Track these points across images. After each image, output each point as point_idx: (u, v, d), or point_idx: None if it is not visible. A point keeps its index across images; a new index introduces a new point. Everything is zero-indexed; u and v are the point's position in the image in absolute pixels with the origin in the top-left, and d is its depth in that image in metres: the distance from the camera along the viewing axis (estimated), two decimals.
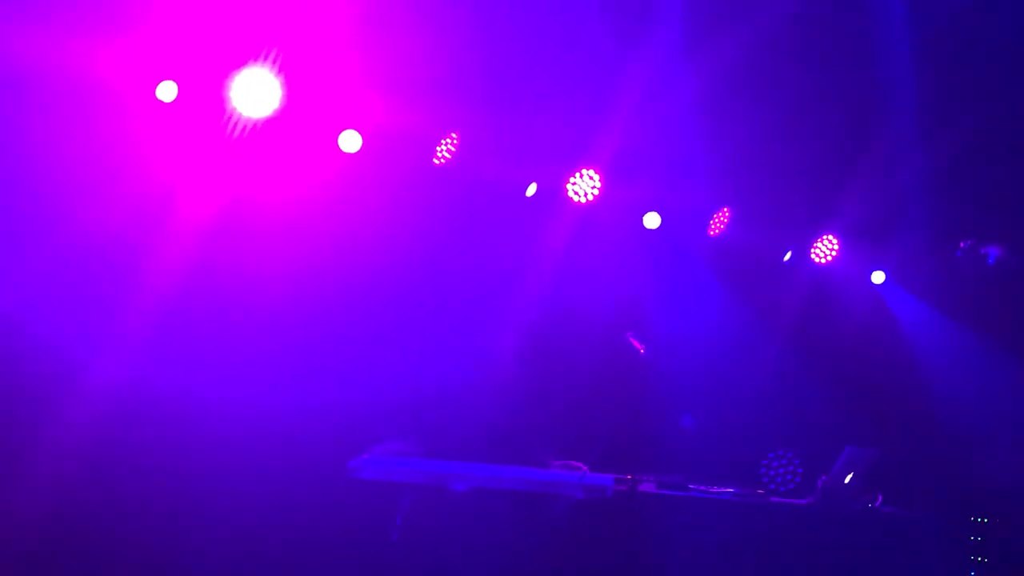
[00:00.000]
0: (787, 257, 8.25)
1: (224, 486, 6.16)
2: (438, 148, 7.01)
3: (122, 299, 6.16)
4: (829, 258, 8.22)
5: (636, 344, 6.18)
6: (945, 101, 6.99)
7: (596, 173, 7.38)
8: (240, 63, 6.20)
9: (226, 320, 6.44)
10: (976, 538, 7.30)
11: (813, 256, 8.22)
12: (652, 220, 7.70)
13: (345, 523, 5.73)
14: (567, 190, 7.40)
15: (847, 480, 6.67)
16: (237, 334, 6.44)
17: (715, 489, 6.55)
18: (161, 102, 6.18)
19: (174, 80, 6.16)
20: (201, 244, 6.31)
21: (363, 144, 6.74)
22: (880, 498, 6.85)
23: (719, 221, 7.91)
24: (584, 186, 7.39)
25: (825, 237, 8.18)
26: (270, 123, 6.41)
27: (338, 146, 6.72)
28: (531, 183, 7.35)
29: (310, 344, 6.62)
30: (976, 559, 7.25)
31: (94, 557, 5.85)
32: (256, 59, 6.20)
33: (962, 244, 8.11)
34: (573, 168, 7.39)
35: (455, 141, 7.00)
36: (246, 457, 6.24)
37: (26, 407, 5.86)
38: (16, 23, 5.66)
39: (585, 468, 6.06)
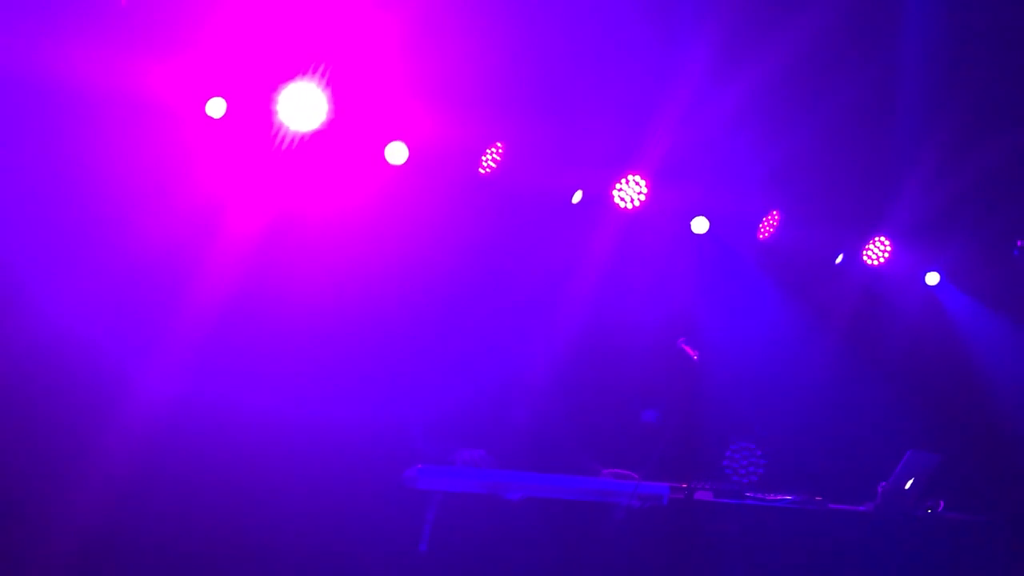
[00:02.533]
0: (839, 260, 8.14)
1: (277, 499, 6.18)
2: (484, 158, 7.03)
3: (174, 312, 6.22)
4: (882, 260, 8.09)
5: (688, 350, 6.11)
6: (1001, 99, 6.86)
7: (642, 178, 7.33)
8: (287, 78, 6.26)
9: (276, 332, 6.48)
10: None
11: (865, 258, 8.09)
12: (700, 225, 7.64)
13: (401, 534, 5.72)
14: (613, 196, 7.36)
15: (908, 485, 6.54)
16: (287, 347, 6.47)
17: (772, 496, 6.45)
18: (211, 118, 6.26)
19: (223, 96, 6.24)
20: (251, 257, 6.36)
21: (410, 155, 6.77)
22: (942, 504, 6.71)
23: (769, 224, 7.82)
24: (630, 192, 7.35)
25: (877, 239, 8.06)
26: (317, 137, 6.46)
27: (385, 158, 6.76)
28: (577, 190, 7.33)
29: (360, 355, 6.63)
30: None
31: (143, 569, 5.90)
32: (303, 74, 6.25)
33: (1019, 243, 7.93)
34: (619, 174, 7.35)
35: (500, 150, 7.01)
36: (299, 469, 6.26)
37: (76, 418, 5.92)
38: (71, 43, 5.77)
39: (636, 476, 5.99)
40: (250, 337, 6.40)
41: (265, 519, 6.11)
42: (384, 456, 6.04)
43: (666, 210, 7.55)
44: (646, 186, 7.34)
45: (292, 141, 6.40)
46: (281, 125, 6.35)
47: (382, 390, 6.56)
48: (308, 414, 6.36)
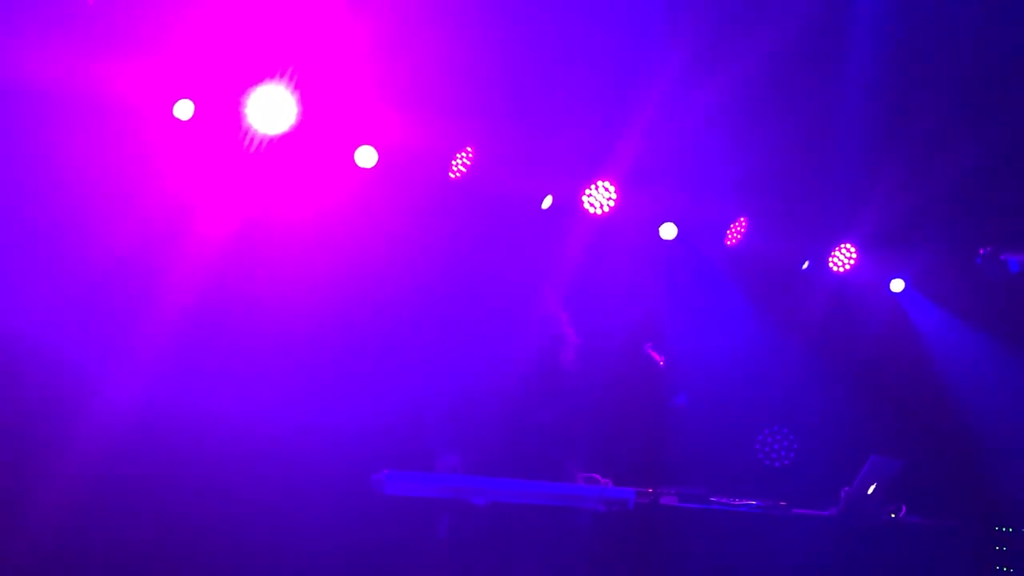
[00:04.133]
0: (805, 266, 8.22)
1: (245, 503, 6.17)
2: (454, 162, 7.03)
3: (141, 316, 6.19)
4: (848, 267, 8.17)
5: (655, 356, 6.15)
6: (966, 109, 6.95)
7: (612, 184, 7.38)
8: (256, 80, 6.24)
9: (244, 336, 6.46)
10: (1002, 548, 7.23)
11: (831, 265, 8.18)
12: (668, 231, 7.69)
13: (368, 537, 5.73)
14: (583, 202, 7.40)
15: (870, 491, 6.62)
16: (255, 350, 6.45)
17: (737, 501, 6.51)
18: (178, 120, 6.22)
19: (191, 98, 6.20)
20: (219, 260, 6.34)
21: (379, 159, 6.76)
22: (904, 508, 6.79)
23: (736, 231, 7.89)
24: (600, 198, 7.39)
25: (843, 246, 8.14)
26: (286, 139, 6.44)
27: (354, 161, 6.75)
28: (547, 196, 7.35)
29: (328, 359, 6.62)
30: (1002, 569, 7.17)
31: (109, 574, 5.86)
32: (272, 76, 6.23)
33: (982, 251, 8.04)
34: (589, 180, 7.38)
35: (470, 155, 7.02)
36: (266, 473, 6.25)
37: (41, 424, 5.89)
38: (37, 43, 5.72)
39: (608, 481, 6.01)
40: (219, 341, 6.37)
41: (232, 523, 6.10)
42: (352, 460, 6.04)
43: (635, 216, 7.59)
44: (615, 192, 7.38)
45: (261, 144, 6.38)
46: (250, 128, 6.32)
47: (351, 394, 6.55)
48: (277, 418, 6.35)
